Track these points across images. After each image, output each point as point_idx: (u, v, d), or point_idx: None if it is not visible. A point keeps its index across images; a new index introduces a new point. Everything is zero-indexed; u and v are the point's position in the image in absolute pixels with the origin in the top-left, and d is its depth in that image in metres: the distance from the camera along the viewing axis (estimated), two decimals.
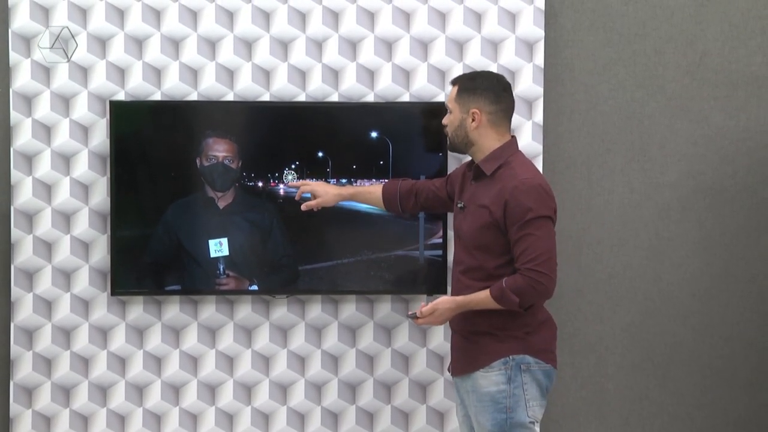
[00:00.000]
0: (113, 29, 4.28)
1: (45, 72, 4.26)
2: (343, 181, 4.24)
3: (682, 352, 4.53)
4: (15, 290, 4.29)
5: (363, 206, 4.22)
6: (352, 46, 4.34)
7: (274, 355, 4.37)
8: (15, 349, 4.30)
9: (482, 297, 3.66)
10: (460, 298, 3.71)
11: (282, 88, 4.33)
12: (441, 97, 4.32)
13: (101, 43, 4.28)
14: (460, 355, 3.81)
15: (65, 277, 4.30)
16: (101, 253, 4.30)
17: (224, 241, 4.26)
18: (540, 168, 4.31)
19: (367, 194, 4.13)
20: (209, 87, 4.31)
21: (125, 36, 4.28)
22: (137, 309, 4.33)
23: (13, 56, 4.26)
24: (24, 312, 4.29)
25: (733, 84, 4.48)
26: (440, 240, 4.30)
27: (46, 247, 4.29)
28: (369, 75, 4.34)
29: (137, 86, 4.29)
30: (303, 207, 4.11)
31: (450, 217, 4.23)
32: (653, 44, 4.45)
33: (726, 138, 4.50)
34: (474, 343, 3.74)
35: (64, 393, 4.33)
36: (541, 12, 4.35)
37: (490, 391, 3.69)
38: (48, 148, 4.28)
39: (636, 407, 4.52)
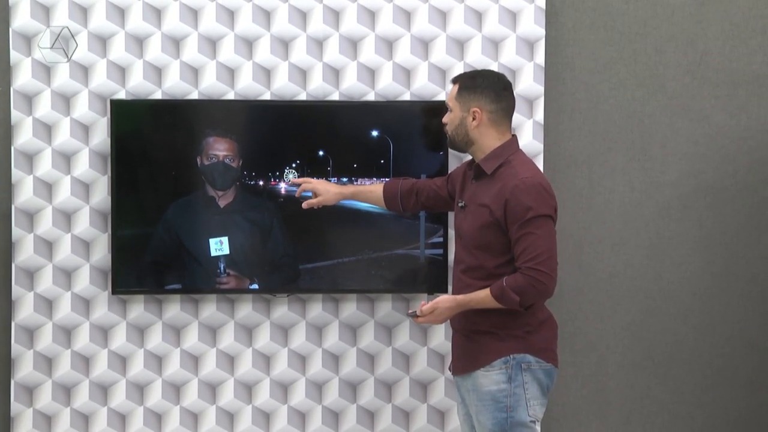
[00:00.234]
0: (114, 28, 4.28)
1: (46, 71, 4.27)
2: (344, 179, 4.24)
3: (682, 351, 4.53)
4: (16, 289, 4.29)
5: (363, 205, 4.22)
6: (352, 45, 4.34)
7: (275, 354, 4.37)
8: (16, 348, 4.30)
9: (483, 296, 3.66)
10: (460, 297, 3.71)
11: (283, 87, 4.33)
12: (442, 96, 4.32)
13: (102, 42, 4.28)
14: (461, 354, 3.81)
15: (66, 276, 4.30)
16: (102, 252, 4.30)
17: (225, 240, 4.27)
18: (541, 167, 4.31)
19: (368, 193, 4.13)
20: (210, 86, 4.31)
21: (126, 35, 4.28)
22: (138, 308, 4.33)
23: (14, 55, 4.26)
24: (25, 311, 4.29)
25: (733, 83, 4.48)
26: (441, 239, 4.29)
27: (47, 246, 4.29)
28: (370, 74, 4.34)
29: (138, 85, 4.29)
30: (304, 205, 4.11)
31: (451, 216, 4.24)
32: (654, 43, 4.45)
33: (727, 137, 4.50)
34: (475, 342, 3.74)
35: (65, 392, 4.33)
36: (541, 11, 4.35)
37: (490, 390, 3.69)
38: (49, 147, 4.28)
39: (637, 406, 4.52)
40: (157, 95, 4.29)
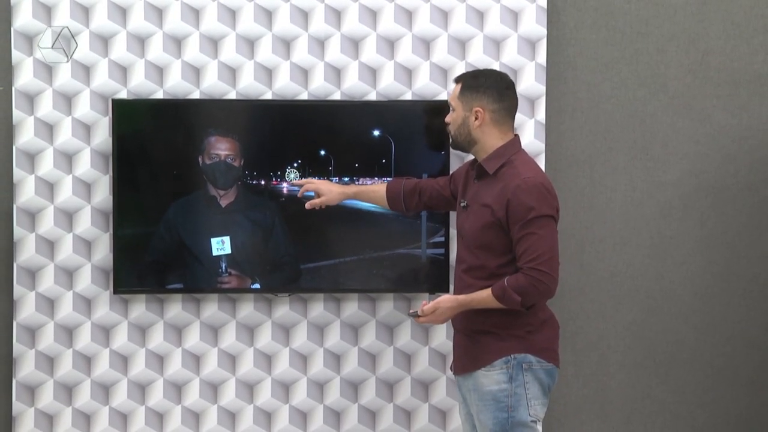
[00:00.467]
0: (115, 27, 4.28)
1: (47, 70, 4.27)
2: (346, 179, 4.24)
3: (684, 350, 4.53)
4: (17, 288, 4.29)
5: (365, 205, 4.22)
6: (354, 45, 4.34)
7: (276, 353, 4.37)
8: (18, 347, 4.30)
9: (484, 296, 3.66)
10: (461, 297, 3.71)
11: (284, 86, 4.33)
12: (443, 96, 4.32)
13: (103, 42, 4.28)
14: (462, 354, 3.81)
15: (68, 275, 4.30)
16: (103, 251, 4.30)
17: (226, 239, 4.27)
18: (542, 166, 4.31)
19: (371, 193, 4.13)
20: (211, 85, 4.31)
21: (127, 34, 4.28)
22: (139, 307, 4.33)
23: (16, 54, 4.26)
24: (26, 310, 4.29)
25: (735, 82, 4.48)
26: (442, 238, 4.29)
27: (49, 246, 4.29)
28: (371, 73, 4.34)
29: (139, 84, 4.29)
30: (307, 205, 4.11)
31: (452, 215, 4.24)
32: (655, 43, 4.45)
33: (728, 136, 4.50)
34: (476, 341, 3.74)
35: (67, 391, 4.33)
36: (543, 10, 4.35)
37: (491, 390, 3.69)
38: (50, 146, 4.28)
39: (638, 405, 4.53)
40: (159, 95, 4.29)
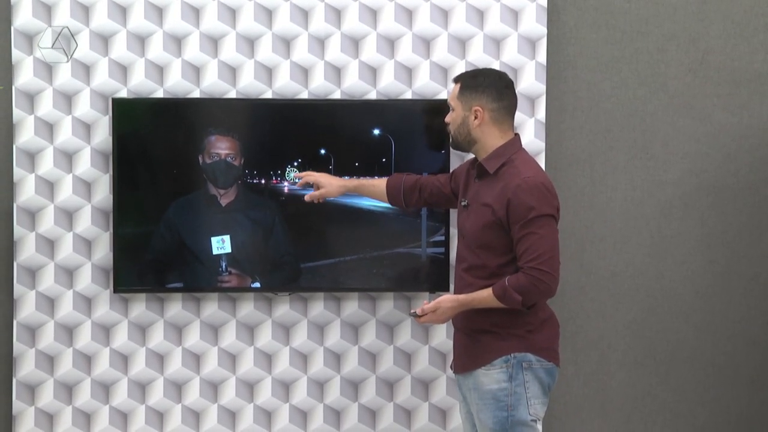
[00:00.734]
0: (116, 26, 4.28)
1: (47, 69, 4.27)
2: (346, 178, 4.23)
3: (684, 349, 4.53)
4: (18, 288, 4.29)
5: (365, 203, 4.22)
6: (354, 44, 4.33)
7: (277, 352, 4.37)
8: (18, 346, 4.31)
9: (485, 295, 3.66)
10: (462, 297, 3.71)
11: (284, 85, 4.33)
12: (443, 95, 4.32)
13: (104, 41, 4.28)
14: (462, 353, 3.81)
15: (68, 274, 4.30)
16: (104, 250, 4.30)
17: (227, 238, 4.27)
18: (542, 166, 4.31)
19: (371, 187, 4.12)
20: (211, 84, 4.31)
21: (128, 33, 4.28)
22: (140, 306, 4.33)
23: (16, 53, 4.26)
24: (27, 309, 4.30)
25: (735, 82, 4.48)
26: (443, 237, 4.29)
27: (49, 245, 4.29)
28: (371, 72, 4.34)
29: (139, 84, 4.29)
30: (306, 198, 4.11)
31: (452, 214, 4.24)
32: (656, 42, 4.45)
33: (728, 136, 4.49)
34: (476, 341, 3.74)
35: (67, 390, 4.33)
36: (543, 9, 4.35)
37: (491, 389, 3.69)
38: (50, 145, 4.28)
39: (638, 404, 4.53)
40: (159, 94, 4.29)
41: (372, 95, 4.33)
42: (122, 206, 4.23)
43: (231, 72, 4.32)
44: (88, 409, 4.34)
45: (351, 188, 4.12)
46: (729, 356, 4.54)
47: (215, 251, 4.26)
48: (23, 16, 4.25)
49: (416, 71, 4.35)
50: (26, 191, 4.28)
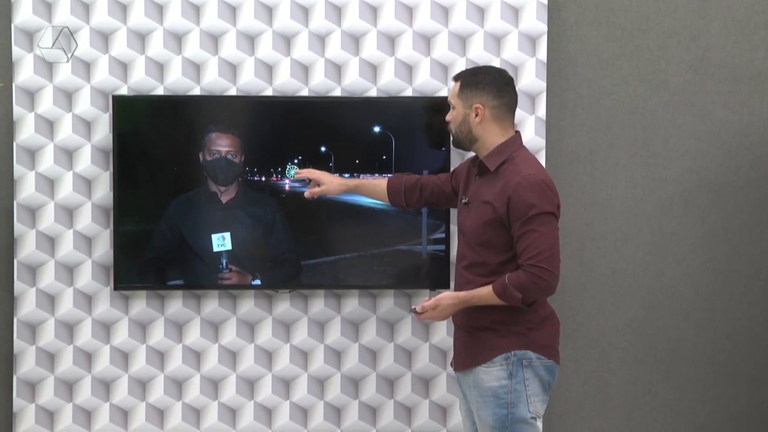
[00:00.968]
0: (116, 24, 4.28)
1: (48, 67, 4.26)
2: (346, 175, 4.23)
3: (684, 347, 4.53)
4: (18, 285, 4.29)
5: (365, 201, 4.22)
6: (354, 41, 4.33)
7: (277, 349, 4.37)
8: (18, 343, 4.31)
9: (485, 293, 3.66)
10: (462, 294, 3.71)
11: (285, 82, 4.32)
12: (444, 92, 4.32)
13: (104, 38, 4.28)
14: (463, 350, 3.81)
15: (68, 271, 4.30)
16: (104, 247, 4.30)
17: (227, 235, 4.27)
18: (543, 163, 4.30)
19: (372, 187, 4.13)
20: (212, 82, 4.31)
21: (128, 30, 4.28)
22: (140, 303, 4.33)
23: (16, 51, 4.26)
24: (27, 306, 4.30)
25: (736, 79, 4.47)
26: (443, 235, 4.29)
27: (49, 242, 4.29)
28: (372, 70, 4.34)
29: (140, 81, 4.29)
30: (306, 194, 4.11)
31: (453, 211, 4.24)
32: (656, 39, 4.45)
33: (729, 133, 4.49)
34: (476, 338, 3.74)
35: (67, 387, 4.34)
36: (544, 6, 4.35)
37: (491, 386, 3.69)
38: (51, 142, 4.28)
39: (639, 402, 4.53)
40: (159, 91, 4.29)
41: (372, 92, 4.33)
42: (122, 203, 4.23)
43: (231, 69, 4.32)
44: (88, 406, 4.34)
45: (351, 187, 4.13)
46: (729, 354, 4.54)
47: (216, 248, 4.26)
48: (23, 14, 4.25)
49: (417, 68, 4.34)
50: (26, 188, 4.28)
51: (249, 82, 4.31)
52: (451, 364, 3.91)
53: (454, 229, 4.24)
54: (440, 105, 4.15)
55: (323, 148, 4.26)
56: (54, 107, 4.27)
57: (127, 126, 4.23)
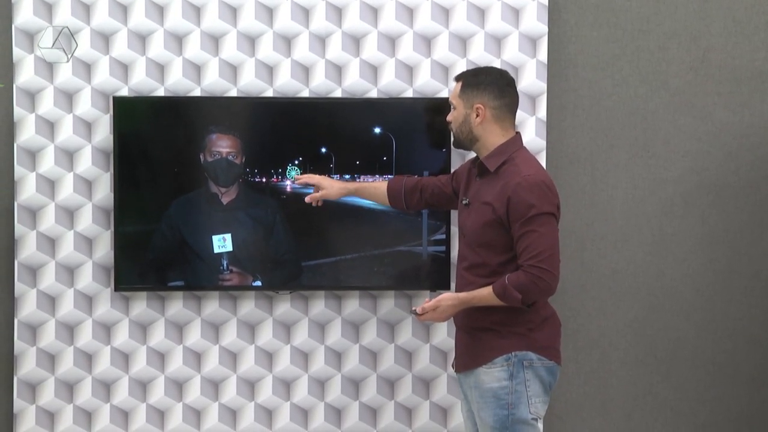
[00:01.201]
0: (116, 25, 4.28)
1: (48, 68, 4.27)
2: (347, 177, 4.24)
3: (685, 347, 4.53)
4: (18, 286, 4.29)
5: (366, 202, 4.22)
6: (355, 42, 4.33)
7: (278, 350, 4.37)
8: (19, 344, 4.31)
9: (485, 294, 3.66)
10: (462, 295, 3.71)
11: (285, 83, 4.33)
12: (444, 93, 4.32)
13: (104, 39, 4.28)
14: (463, 351, 3.82)
15: (69, 272, 4.30)
16: (105, 248, 4.30)
17: (228, 236, 4.27)
18: (543, 164, 4.31)
19: (372, 190, 4.13)
20: (212, 83, 4.31)
21: (128, 32, 4.28)
22: (140, 304, 4.33)
23: (17, 52, 4.26)
24: (27, 308, 4.30)
25: (736, 80, 4.48)
26: (443, 236, 4.29)
27: (50, 243, 4.29)
28: (372, 71, 4.34)
29: (140, 82, 4.29)
30: (307, 199, 4.12)
31: (453, 212, 4.24)
32: (657, 40, 4.45)
33: (729, 134, 4.49)
34: (477, 339, 3.75)
35: (68, 388, 4.33)
36: (544, 7, 4.35)
37: (492, 387, 3.69)
38: (51, 143, 4.28)
39: (639, 403, 4.53)
40: (160, 92, 4.29)
41: (373, 94, 4.33)
42: (123, 204, 4.23)
43: (232, 70, 4.32)
44: (89, 407, 4.34)
45: (352, 190, 4.13)
46: (730, 354, 4.54)
47: (216, 249, 4.26)
48: (24, 15, 4.25)
49: (417, 70, 4.34)
50: (27, 190, 4.28)
51: (249, 83, 4.32)
52: (452, 365, 3.91)
53: (454, 230, 4.24)
54: (441, 106, 4.15)
55: (324, 149, 4.26)
56: (54, 108, 4.27)
57: (128, 127, 4.23)
